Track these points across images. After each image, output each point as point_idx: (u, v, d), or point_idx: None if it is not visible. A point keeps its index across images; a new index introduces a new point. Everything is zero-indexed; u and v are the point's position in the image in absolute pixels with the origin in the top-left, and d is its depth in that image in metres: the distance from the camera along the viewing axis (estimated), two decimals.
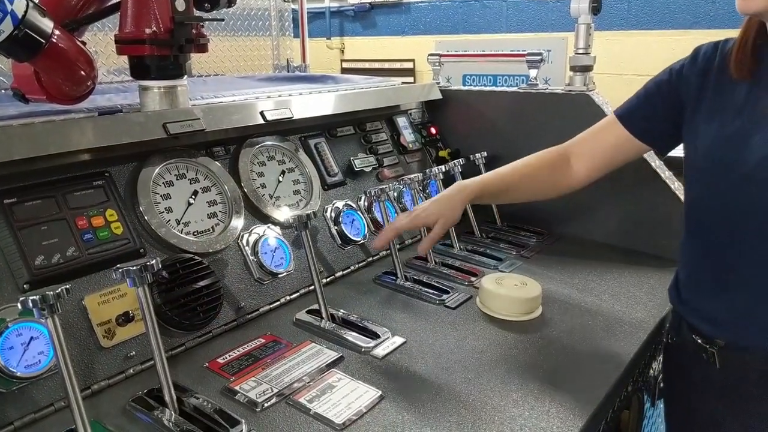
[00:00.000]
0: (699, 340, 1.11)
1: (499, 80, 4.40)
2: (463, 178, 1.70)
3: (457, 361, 1.08)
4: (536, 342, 1.15)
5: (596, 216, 1.72)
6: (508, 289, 1.26)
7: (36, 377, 0.93)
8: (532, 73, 1.90)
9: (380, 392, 0.99)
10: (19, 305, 0.83)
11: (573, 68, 1.78)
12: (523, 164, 1.34)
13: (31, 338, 0.94)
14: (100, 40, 1.91)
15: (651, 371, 1.31)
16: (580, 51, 1.78)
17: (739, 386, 1.07)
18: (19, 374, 0.91)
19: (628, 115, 1.22)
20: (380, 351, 1.12)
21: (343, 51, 5.83)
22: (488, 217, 1.85)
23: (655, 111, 1.18)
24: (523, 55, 1.90)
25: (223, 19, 2.11)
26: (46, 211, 1.03)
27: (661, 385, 1.33)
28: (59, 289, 0.83)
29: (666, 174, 1.57)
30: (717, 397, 1.11)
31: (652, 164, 1.56)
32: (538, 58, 1.86)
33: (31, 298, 0.81)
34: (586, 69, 1.78)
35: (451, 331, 1.19)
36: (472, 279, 1.43)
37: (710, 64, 1.08)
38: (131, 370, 1.05)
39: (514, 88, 1.92)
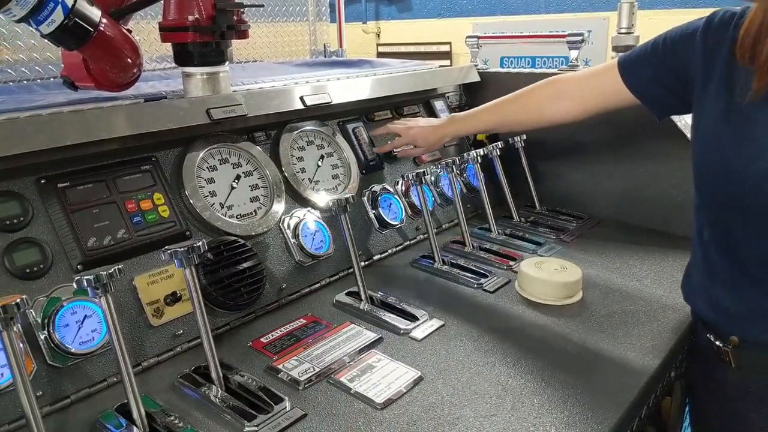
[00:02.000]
0: (713, 339, 1.07)
1: (537, 62, 4.32)
2: (503, 164, 1.72)
3: (496, 345, 1.09)
4: (576, 326, 1.14)
5: (637, 200, 1.69)
6: (548, 274, 1.25)
7: (90, 354, 0.98)
8: (573, 54, 1.87)
9: (419, 373, 1.00)
10: (74, 284, 0.87)
11: (616, 48, 1.74)
12: (513, 97, 1.43)
13: (85, 316, 0.98)
14: (143, 29, 1.95)
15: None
16: (623, 31, 1.74)
17: (758, 386, 1.03)
18: (74, 350, 0.96)
19: (629, 66, 1.17)
20: (419, 333, 1.13)
21: (378, 35, 5.81)
22: (527, 201, 1.83)
23: (656, 73, 1.12)
24: (564, 36, 1.86)
25: (263, 5, 2.13)
26: (97, 194, 1.07)
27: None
28: (112, 269, 0.86)
29: None
30: (739, 398, 1.07)
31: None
32: (579, 38, 1.82)
33: (86, 277, 0.85)
34: (629, 49, 1.73)
35: (489, 315, 1.20)
36: (511, 263, 1.42)
37: (723, 34, 0.99)
38: (179, 348, 1.09)
39: (554, 70, 1.88)
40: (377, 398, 0.94)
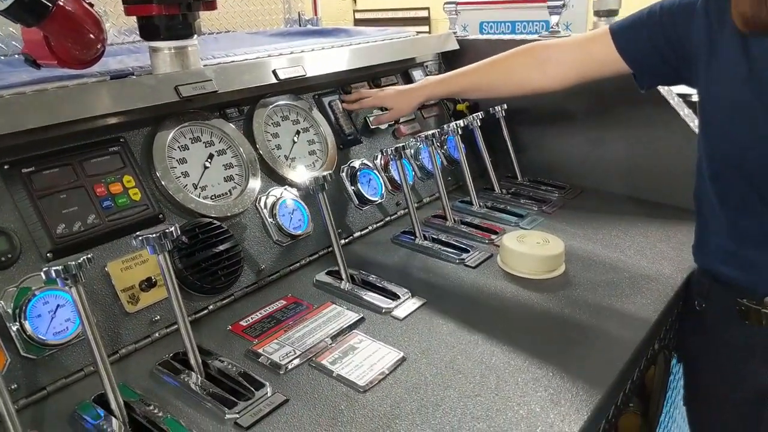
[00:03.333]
0: (742, 300, 1.06)
1: (517, 26, 4.25)
2: (483, 135, 1.70)
3: (479, 322, 1.08)
4: (560, 300, 1.14)
5: (619, 168, 1.68)
6: (530, 247, 1.24)
7: (65, 344, 0.95)
8: (554, 19, 1.83)
9: (402, 353, 0.99)
10: (42, 275, 0.83)
11: (597, 13, 1.71)
12: (492, 61, 1.40)
13: (58, 306, 0.95)
14: (109, 1, 1.87)
15: (678, 328, 1.29)
16: None
17: None
18: (48, 341, 0.93)
19: (623, 33, 1.15)
20: (401, 312, 1.12)
21: (355, 1, 5.68)
22: (509, 171, 1.81)
23: (651, 41, 1.10)
24: (544, 0, 1.82)
25: None
26: (65, 179, 1.03)
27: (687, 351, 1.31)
28: (81, 259, 0.83)
29: (694, 123, 1.52)
30: (748, 358, 1.08)
31: (681, 113, 1.50)
32: (560, 3, 1.78)
33: (54, 268, 0.81)
34: (611, 14, 1.71)
35: (471, 291, 1.19)
36: (493, 237, 1.41)
37: (726, 3, 0.96)
38: (156, 334, 1.07)
39: (535, 36, 1.84)
40: (360, 381, 0.93)
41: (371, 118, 1.62)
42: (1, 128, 0.94)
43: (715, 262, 1.12)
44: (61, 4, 1.05)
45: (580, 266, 1.27)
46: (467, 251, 1.34)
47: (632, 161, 1.65)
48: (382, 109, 1.61)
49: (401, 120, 1.72)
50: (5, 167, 0.99)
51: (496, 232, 1.44)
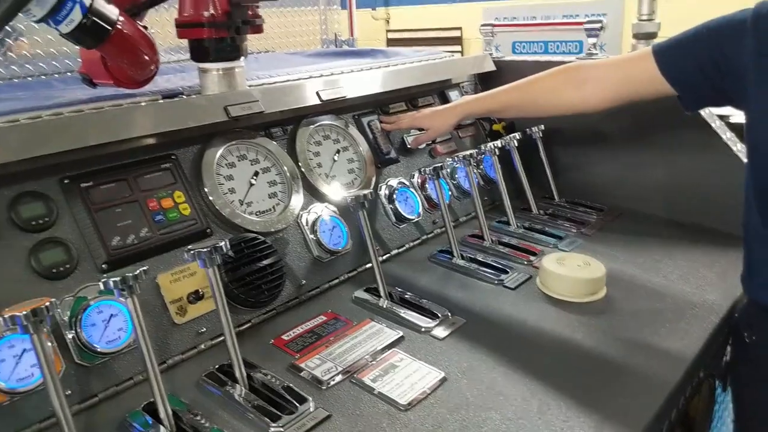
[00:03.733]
0: None
1: (550, 46, 4.27)
2: (520, 155, 1.70)
3: (520, 344, 1.08)
4: (601, 325, 1.14)
5: (658, 190, 1.67)
6: (571, 270, 1.24)
7: (116, 352, 0.98)
8: (590, 41, 1.84)
9: (443, 373, 1.00)
10: (101, 285, 0.87)
11: (636, 36, 1.71)
12: (531, 79, 1.39)
13: (111, 315, 0.99)
14: (156, 21, 1.94)
15: (724, 356, 1.26)
16: (644, 17, 1.71)
17: None
18: (100, 349, 0.96)
19: (666, 53, 1.13)
20: (440, 331, 1.13)
21: (388, 21, 5.76)
22: (545, 192, 1.81)
23: (697, 62, 1.08)
24: (582, 23, 1.83)
25: None
26: (120, 193, 1.08)
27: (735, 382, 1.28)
28: (138, 271, 0.87)
29: (737, 147, 1.50)
30: None
31: (723, 137, 1.49)
32: (597, 26, 1.79)
33: (112, 279, 0.85)
34: (651, 36, 1.70)
35: (512, 313, 1.19)
36: (531, 258, 1.41)
37: None
38: (202, 346, 1.10)
39: (572, 58, 1.85)
40: (401, 399, 0.94)
41: (409, 139, 1.64)
42: (62, 145, 0.99)
43: (764, 293, 1.10)
44: (119, 27, 1.10)
45: (621, 290, 1.26)
46: (506, 272, 1.34)
47: (672, 183, 1.64)
48: (419, 129, 1.63)
49: (438, 140, 1.74)
50: (65, 181, 1.03)
51: (534, 253, 1.44)
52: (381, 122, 1.61)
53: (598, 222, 1.65)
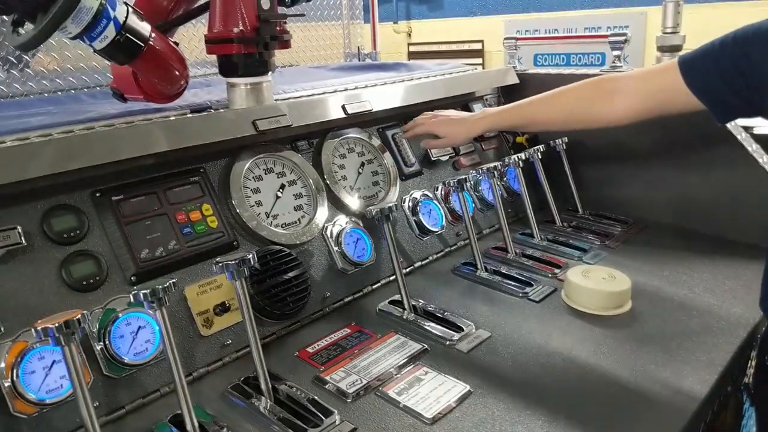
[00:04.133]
0: None
1: (572, 59, 4.25)
2: (544, 167, 1.70)
3: (546, 357, 1.07)
4: (627, 338, 1.12)
5: (683, 202, 1.65)
6: (597, 283, 1.23)
7: (144, 364, 0.99)
8: (614, 53, 1.83)
9: (468, 387, 0.99)
10: (131, 297, 0.88)
11: (661, 48, 1.70)
12: (557, 92, 1.35)
13: (139, 327, 1.00)
14: (183, 36, 1.98)
15: (748, 372, 1.24)
16: (669, 30, 1.69)
17: None
18: (128, 361, 0.98)
19: (691, 65, 1.10)
20: (465, 345, 1.12)
21: (410, 34, 5.80)
22: (569, 205, 1.80)
23: (723, 74, 1.04)
24: (606, 36, 1.83)
25: (303, 14, 2.14)
26: (149, 206, 1.10)
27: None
28: (167, 283, 0.88)
29: (764, 159, 1.47)
30: None
31: (749, 149, 1.47)
32: (622, 38, 1.78)
33: (142, 291, 0.86)
34: (675, 49, 1.69)
35: (537, 326, 1.18)
36: (556, 271, 1.40)
37: None
38: (227, 358, 1.11)
39: (596, 71, 1.85)
40: (426, 413, 0.94)
41: (422, 142, 1.62)
42: (94, 159, 1.02)
43: None
44: (151, 43, 1.12)
45: (647, 303, 1.25)
46: (530, 285, 1.33)
47: (697, 196, 1.62)
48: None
49: (461, 152, 1.74)
50: (97, 195, 1.05)
51: (559, 266, 1.43)
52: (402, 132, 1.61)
53: (623, 234, 1.63)
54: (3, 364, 0.87)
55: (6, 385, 0.86)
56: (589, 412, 0.93)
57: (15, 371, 0.87)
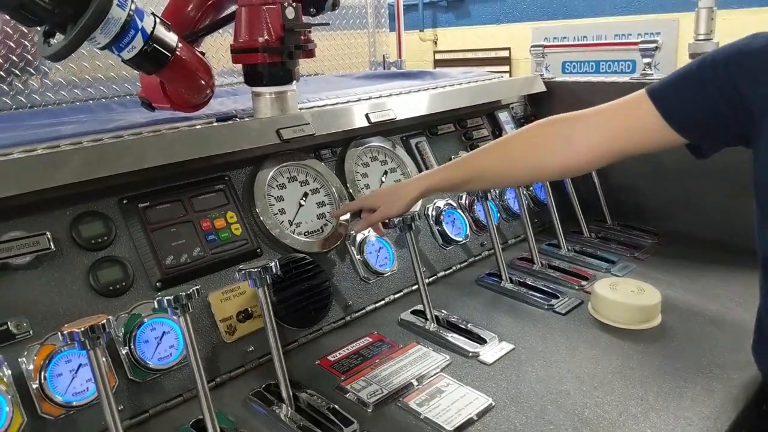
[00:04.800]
0: None
1: (601, 66, 4.19)
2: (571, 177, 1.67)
3: (570, 371, 1.05)
4: (657, 353, 1.09)
5: (714, 214, 1.60)
6: (625, 296, 1.20)
7: (167, 369, 1.01)
8: (644, 61, 1.79)
9: (490, 400, 0.98)
10: (155, 304, 0.90)
11: (693, 56, 1.66)
12: (503, 141, 1.18)
13: (164, 333, 1.01)
14: (211, 45, 2.01)
15: None
16: (701, 37, 1.66)
17: None
18: (152, 366, 0.99)
19: (665, 94, 0.96)
20: (488, 357, 1.10)
21: (436, 42, 5.80)
22: (597, 215, 1.77)
23: (703, 99, 0.91)
24: (636, 44, 1.80)
25: (328, 23, 2.15)
26: (175, 214, 1.11)
27: None
28: (191, 290, 0.89)
29: None
30: None
31: None
32: (652, 46, 1.75)
33: (166, 298, 0.88)
34: None
35: (562, 339, 1.16)
36: (583, 283, 1.38)
37: None
38: (249, 365, 1.11)
39: (626, 78, 1.82)
40: (448, 425, 0.92)
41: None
42: (123, 167, 1.03)
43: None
44: (178, 53, 1.14)
45: (677, 317, 1.21)
46: (556, 297, 1.31)
47: (731, 208, 1.57)
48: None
49: None
50: (124, 202, 1.07)
51: (586, 278, 1.40)
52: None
53: (653, 246, 1.60)
54: (31, 367, 0.89)
55: (34, 386, 0.88)
56: (613, 428, 0.90)
57: (43, 374, 0.89)
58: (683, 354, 1.09)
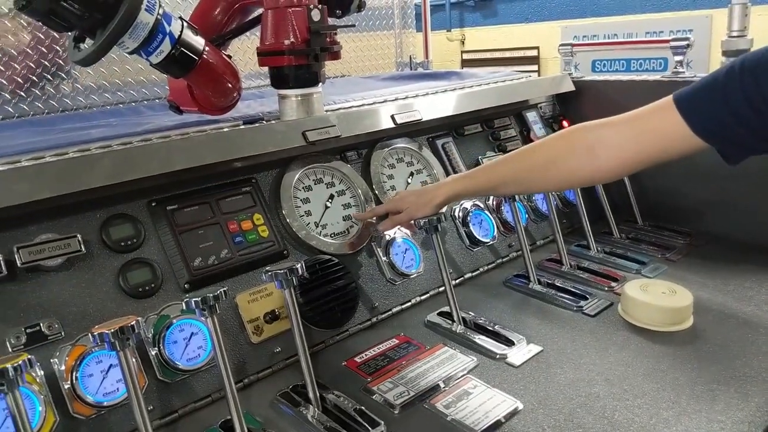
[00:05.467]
0: None
1: (632, 64, 4.11)
2: None
3: (600, 374, 1.03)
4: (688, 356, 1.06)
5: (748, 214, 1.56)
6: (656, 297, 1.17)
7: (196, 370, 1.02)
8: (676, 59, 1.75)
9: (518, 402, 0.96)
10: (183, 305, 0.91)
11: (726, 53, 1.62)
12: (528, 149, 1.19)
13: (192, 334, 1.02)
14: (238, 48, 2.04)
15: None
16: (735, 34, 1.61)
17: None
18: (181, 367, 1.00)
19: (691, 101, 0.96)
20: (516, 359, 1.09)
21: (463, 42, 5.77)
22: (628, 215, 1.74)
23: (730, 107, 0.91)
24: (667, 41, 1.76)
25: (354, 25, 2.15)
26: (202, 216, 1.13)
27: None
28: (218, 291, 0.90)
29: None
30: None
31: None
32: (684, 43, 1.70)
33: (194, 299, 0.89)
34: (741, 54, 1.60)
35: (591, 341, 1.14)
36: (613, 284, 1.35)
37: None
38: (277, 365, 1.12)
39: (657, 77, 1.78)
40: (475, 427, 0.91)
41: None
42: (151, 170, 1.05)
43: None
44: (205, 57, 1.16)
45: (709, 320, 1.18)
46: (585, 298, 1.29)
47: (763, 208, 1.52)
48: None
49: None
50: (152, 204, 1.09)
51: (616, 280, 1.37)
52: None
53: (684, 247, 1.56)
54: (63, 367, 0.91)
55: (66, 387, 0.90)
56: None
57: (74, 374, 0.91)
58: (716, 357, 1.06)
